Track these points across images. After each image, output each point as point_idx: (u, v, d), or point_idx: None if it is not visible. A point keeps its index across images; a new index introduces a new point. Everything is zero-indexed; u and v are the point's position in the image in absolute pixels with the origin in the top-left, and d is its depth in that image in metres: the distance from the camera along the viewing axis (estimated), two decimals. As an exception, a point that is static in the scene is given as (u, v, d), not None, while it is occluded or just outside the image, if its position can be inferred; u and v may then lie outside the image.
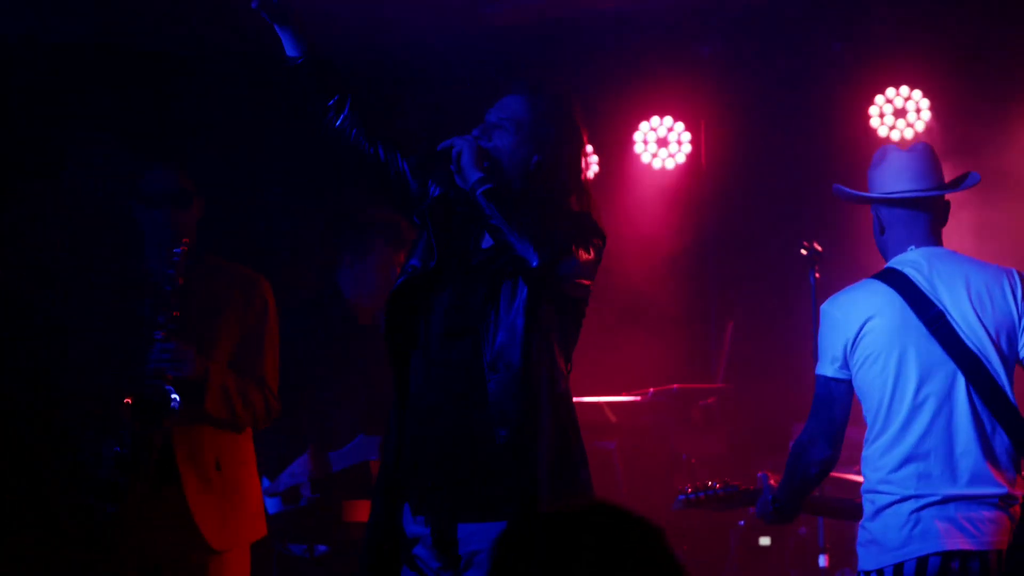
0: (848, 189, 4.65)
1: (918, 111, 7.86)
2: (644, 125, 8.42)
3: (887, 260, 4.53)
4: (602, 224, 4.14)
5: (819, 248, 6.06)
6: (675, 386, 7.31)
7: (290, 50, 4.30)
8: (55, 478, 5.98)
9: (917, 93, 7.86)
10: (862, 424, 4.52)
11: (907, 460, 4.28)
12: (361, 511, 5.85)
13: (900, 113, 7.89)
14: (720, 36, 8.05)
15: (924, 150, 4.52)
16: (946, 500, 4.25)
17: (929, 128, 7.85)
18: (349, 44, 7.79)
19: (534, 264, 3.88)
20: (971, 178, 4.56)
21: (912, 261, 4.43)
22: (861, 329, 4.36)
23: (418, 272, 4.09)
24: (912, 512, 4.25)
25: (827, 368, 4.42)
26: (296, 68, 4.28)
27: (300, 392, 6.18)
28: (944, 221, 4.54)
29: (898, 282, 4.38)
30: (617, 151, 8.44)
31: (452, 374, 4.01)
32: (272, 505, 6.21)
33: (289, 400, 6.14)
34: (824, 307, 4.52)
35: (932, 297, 4.34)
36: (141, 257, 5.30)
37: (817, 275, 6.10)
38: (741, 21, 7.89)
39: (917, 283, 4.36)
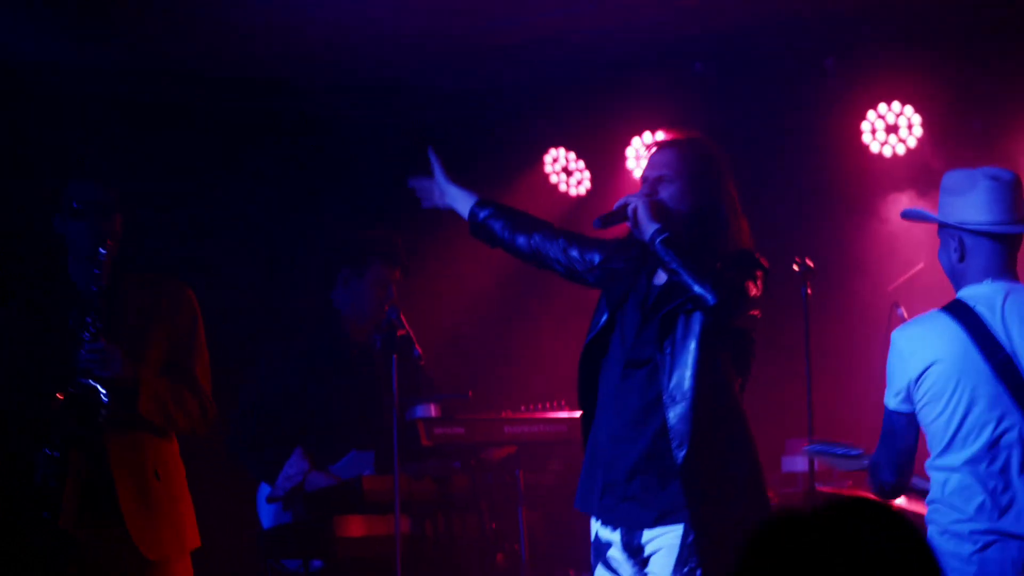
0: (922, 212, 4.62)
1: (910, 127, 7.87)
2: (636, 141, 8.43)
3: (958, 288, 4.43)
4: (759, 254, 4.59)
5: (811, 264, 6.09)
6: (668, 402, 7.30)
7: (463, 213, 4.98)
8: None
9: (909, 109, 7.86)
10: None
11: (972, 497, 4.26)
12: (353, 526, 5.85)
13: (892, 129, 7.89)
14: (711, 52, 8.07)
15: (1014, 180, 4.41)
16: (1005, 536, 4.24)
17: (921, 144, 7.86)
18: (344, 67, 7.84)
19: (711, 303, 4.36)
20: None
21: (985, 296, 4.34)
22: (924, 371, 4.32)
23: (599, 328, 4.63)
24: (976, 551, 4.24)
25: (891, 400, 4.42)
26: (473, 226, 4.94)
27: (294, 408, 6.19)
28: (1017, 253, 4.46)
29: (967, 319, 4.31)
30: (609, 167, 8.45)
31: (632, 401, 4.52)
32: (266, 519, 6.22)
33: (284, 416, 6.16)
34: (894, 335, 4.45)
35: (1001, 339, 4.28)
36: (65, 272, 5.39)
37: (809, 291, 6.13)
38: (732, 37, 7.90)
39: (987, 323, 4.30)
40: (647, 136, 8.41)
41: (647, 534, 4.45)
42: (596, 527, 4.59)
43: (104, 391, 5.09)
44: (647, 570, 4.47)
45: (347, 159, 8.25)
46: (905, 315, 6.81)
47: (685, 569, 4.35)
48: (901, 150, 7.87)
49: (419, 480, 5.91)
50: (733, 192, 4.67)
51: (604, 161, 8.50)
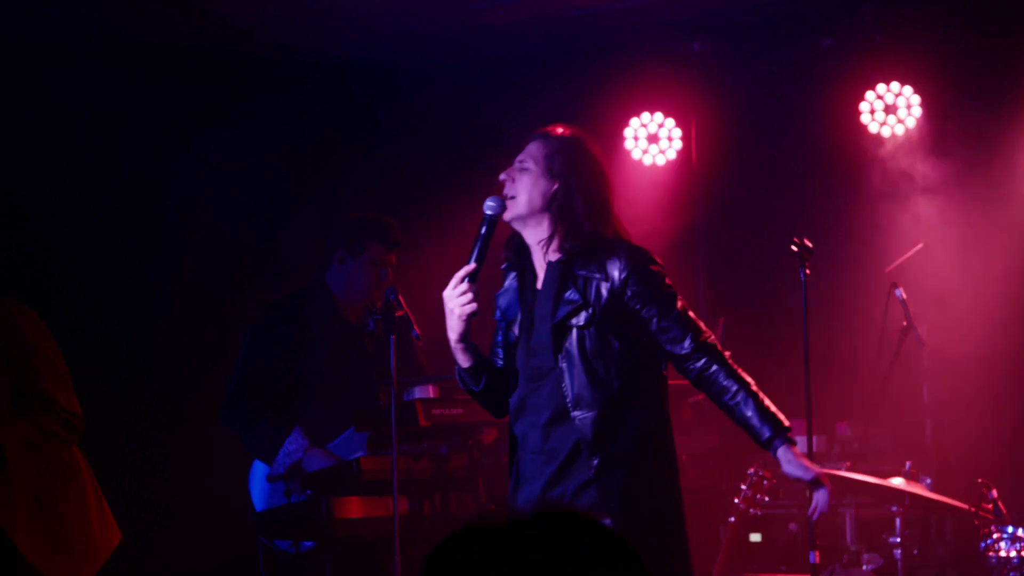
0: None
1: (909, 107, 7.86)
2: (635, 121, 8.41)
3: None
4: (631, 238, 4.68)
5: (810, 245, 6.06)
6: (665, 383, 7.28)
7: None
8: None
9: (908, 89, 7.85)
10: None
11: None
12: (351, 507, 5.84)
13: (891, 109, 7.88)
14: (710, 32, 8.04)
15: None
16: None
17: (920, 124, 7.85)
18: (339, 43, 7.81)
19: (682, 351, 4.48)
20: None
21: None
22: None
23: (510, 341, 4.71)
24: None
25: None
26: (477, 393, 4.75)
27: (288, 391, 6.18)
28: None
29: None
30: (608, 147, 8.41)
31: (543, 412, 4.49)
32: (259, 500, 6.21)
33: (276, 389, 6.15)
34: None
35: None
36: None
37: (808, 272, 6.09)
38: (731, 17, 7.88)
39: None
40: (645, 116, 8.39)
41: None
42: None
43: None
44: None
45: (344, 140, 8.22)
46: (904, 296, 6.80)
47: None
48: (900, 131, 7.86)
49: (417, 460, 5.89)
50: (602, 185, 4.68)
51: (602, 141, 8.46)
